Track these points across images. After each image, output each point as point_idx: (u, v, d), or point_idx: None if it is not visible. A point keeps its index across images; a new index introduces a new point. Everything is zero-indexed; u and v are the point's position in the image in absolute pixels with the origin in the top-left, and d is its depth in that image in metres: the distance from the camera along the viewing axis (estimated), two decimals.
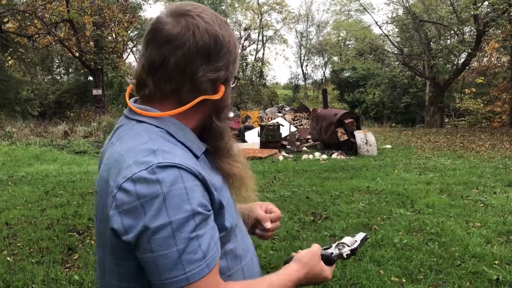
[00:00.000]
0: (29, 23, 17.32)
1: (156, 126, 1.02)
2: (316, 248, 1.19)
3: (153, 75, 1.02)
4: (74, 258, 4.40)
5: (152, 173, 0.90)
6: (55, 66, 35.41)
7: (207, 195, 0.97)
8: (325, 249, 1.21)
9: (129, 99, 1.11)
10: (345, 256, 1.20)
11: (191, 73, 1.01)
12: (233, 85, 1.13)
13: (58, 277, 3.92)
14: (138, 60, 1.08)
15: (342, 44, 40.63)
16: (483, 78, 23.54)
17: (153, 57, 1.01)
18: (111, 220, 0.92)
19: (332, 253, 1.19)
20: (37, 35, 15.37)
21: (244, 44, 40.29)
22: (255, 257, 1.18)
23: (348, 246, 1.22)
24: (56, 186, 7.82)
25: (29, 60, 24.57)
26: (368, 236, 1.26)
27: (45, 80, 33.23)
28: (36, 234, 5.10)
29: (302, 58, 44.28)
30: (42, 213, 6.02)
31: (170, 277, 0.89)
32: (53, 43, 20.70)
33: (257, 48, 40.52)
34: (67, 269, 4.13)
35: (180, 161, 0.93)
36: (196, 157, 1.03)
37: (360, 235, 1.26)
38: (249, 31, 39.71)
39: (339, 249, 1.21)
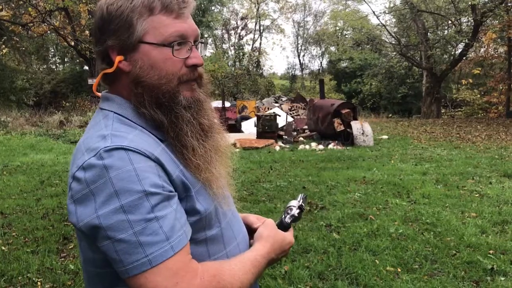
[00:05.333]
0: (23, 11, 17.14)
1: (115, 112, 1.01)
2: (269, 221, 1.22)
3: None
4: (70, 247, 4.39)
5: (100, 158, 0.89)
6: (50, 55, 35.16)
7: (164, 175, 0.94)
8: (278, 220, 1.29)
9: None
10: (297, 215, 1.27)
11: (96, 53, 1.04)
12: (182, 56, 1.01)
13: (53, 266, 3.91)
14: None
15: (339, 34, 40.52)
16: (480, 68, 23.57)
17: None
18: (68, 211, 0.93)
19: (284, 217, 1.26)
20: (31, 24, 15.20)
21: (241, 34, 40.15)
22: (244, 244, 1.16)
23: (295, 206, 1.29)
24: (51, 175, 7.79)
25: (24, 49, 24.37)
26: (306, 195, 1.37)
27: (40, 69, 32.98)
28: (31, 223, 5.09)
29: (299, 48, 44.23)
30: (38, 202, 6.00)
31: (131, 262, 0.87)
32: (48, 32, 20.51)
33: (254, 37, 40.41)
34: (62, 259, 4.12)
35: (128, 144, 0.91)
36: (161, 140, 1.01)
37: (301, 195, 1.35)
38: (246, 21, 39.54)
39: (288, 213, 1.27)
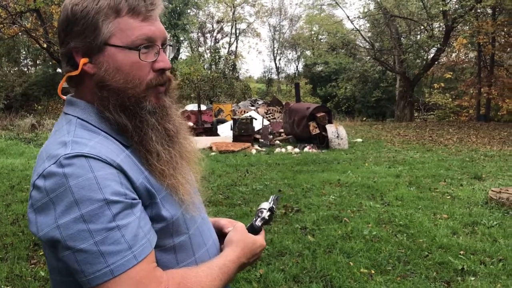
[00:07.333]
0: None
1: (78, 118, 0.99)
2: (239, 225, 1.20)
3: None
4: (40, 254, 4.28)
5: (60, 166, 0.87)
6: (21, 58, 34.30)
7: (127, 183, 0.91)
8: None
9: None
10: (267, 218, 1.25)
11: (61, 54, 1.02)
12: (149, 60, 0.99)
13: (23, 273, 3.81)
14: None
15: (315, 38, 40.89)
16: (451, 73, 24.09)
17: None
18: (28, 220, 0.90)
19: (255, 220, 1.24)
20: (1, 25, 14.84)
21: (217, 37, 40.11)
22: (214, 250, 1.13)
23: (265, 209, 1.27)
24: (22, 180, 7.60)
25: None
26: (280, 196, 1.35)
27: (11, 72, 32.16)
28: (0, 229, 4.95)
29: (275, 52, 44.35)
30: (7, 208, 5.84)
31: (93, 272, 0.84)
32: (19, 33, 20.07)
33: (230, 41, 40.39)
34: (33, 265, 4.02)
35: (89, 151, 0.89)
36: (126, 146, 0.99)
37: (273, 197, 1.33)
38: (222, 24, 39.52)
39: (259, 216, 1.25)
